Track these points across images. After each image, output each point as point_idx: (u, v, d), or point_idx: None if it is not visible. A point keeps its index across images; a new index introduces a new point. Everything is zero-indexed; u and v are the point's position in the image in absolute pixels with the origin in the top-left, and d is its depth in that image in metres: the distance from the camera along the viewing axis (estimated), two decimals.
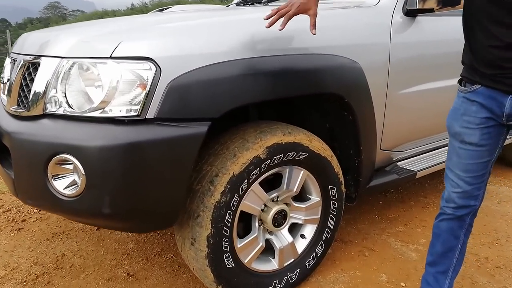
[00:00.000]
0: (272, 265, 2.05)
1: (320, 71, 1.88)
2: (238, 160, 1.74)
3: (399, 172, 2.56)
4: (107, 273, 2.28)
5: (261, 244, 1.96)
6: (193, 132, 1.55)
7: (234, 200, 1.76)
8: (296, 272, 2.10)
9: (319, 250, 2.16)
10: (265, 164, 1.81)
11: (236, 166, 1.73)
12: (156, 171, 1.51)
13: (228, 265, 1.82)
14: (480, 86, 1.50)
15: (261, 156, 1.78)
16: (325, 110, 2.22)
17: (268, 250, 2.07)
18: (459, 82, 1.64)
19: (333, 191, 2.13)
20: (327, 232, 2.18)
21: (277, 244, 2.03)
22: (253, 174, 1.78)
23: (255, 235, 1.93)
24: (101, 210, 1.52)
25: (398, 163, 2.68)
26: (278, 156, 1.84)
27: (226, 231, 1.77)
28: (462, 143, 1.57)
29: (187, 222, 1.77)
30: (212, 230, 1.72)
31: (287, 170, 1.94)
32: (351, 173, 2.28)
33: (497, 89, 1.46)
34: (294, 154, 1.89)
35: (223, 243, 1.77)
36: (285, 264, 2.08)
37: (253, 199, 1.85)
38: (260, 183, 1.86)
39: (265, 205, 1.97)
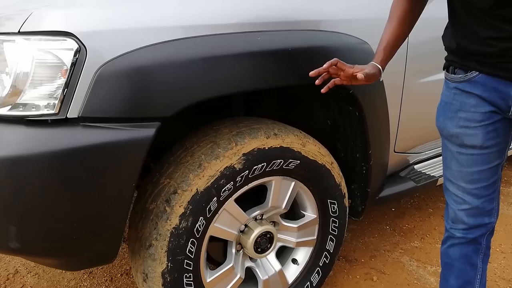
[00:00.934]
0: None
1: (317, 53, 1.42)
2: (204, 172, 1.30)
3: (417, 178, 2.09)
4: None
5: (239, 275, 1.53)
6: (134, 137, 1.11)
7: (199, 225, 1.32)
8: None
9: (315, 278, 1.73)
10: (241, 177, 1.36)
11: (200, 180, 1.29)
12: (79, 192, 1.09)
13: None
14: (477, 73, 1.15)
15: (235, 166, 1.34)
16: (326, 103, 1.75)
17: (250, 278, 1.65)
18: (446, 68, 1.26)
19: (333, 206, 1.68)
20: (326, 257, 1.74)
21: (261, 275, 1.60)
22: (224, 190, 1.34)
23: (230, 265, 1.50)
24: (7, 243, 1.10)
25: (415, 167, 2.21)
26: (260, 165, 1.39)
27: (188, 264, 1.34)
28: (462, 146, 1.22)
29: (138, 252, 1.35)
30: (169, 264, 1.30)
31: (273, 182, 1.49)
32: (357, 182, 1.82)
33: (499, 76, 1.11)
34: (281, 162, 1.44)
35: (184, 280, 1.34)
36: None
37: (227, 221, 1.42)
38: (237, 199, 1.43)
39: (246, 225, 1.53)
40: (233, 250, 1.52)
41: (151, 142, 1.12)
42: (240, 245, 1.55)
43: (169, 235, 1.28)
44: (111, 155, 1.09)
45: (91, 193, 1.10)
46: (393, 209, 2.71)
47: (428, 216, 2.63)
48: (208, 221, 1.35)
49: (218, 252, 1.57)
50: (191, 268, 1.35)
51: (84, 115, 1.08)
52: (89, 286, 1.97)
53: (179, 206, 1.28)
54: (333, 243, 1.73)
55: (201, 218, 1.32)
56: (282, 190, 1.52)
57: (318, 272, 1.73)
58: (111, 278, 2.02)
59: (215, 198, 1.33)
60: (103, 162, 1.09)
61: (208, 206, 1.32)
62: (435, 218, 2.60)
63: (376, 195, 1.90)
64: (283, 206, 1.55)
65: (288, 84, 1.36)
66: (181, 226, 1.28)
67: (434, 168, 2.22)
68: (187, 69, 1.16)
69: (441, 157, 2.31)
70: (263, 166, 1.40)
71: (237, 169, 1.34)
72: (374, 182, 1.80)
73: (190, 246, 1.32)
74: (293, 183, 1.54)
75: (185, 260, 1.32)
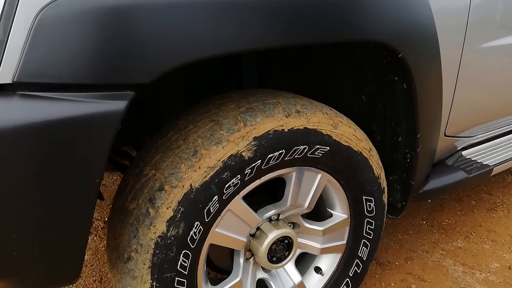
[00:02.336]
0: None
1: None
2: (200, 161, 0.95)
3: (467, 168, 1.70)
4: None
5: None
6: (96, 114, 0.76)
7: (195, 232, 0.98)
8: None
9: None
10: (252, 168, 1.01)
11: (196, 173, 0.94)
12: (15, 190, 0.75)
13: None
14: None
15: (244, 154, 0.98)
16: (360, 73, 1.37)
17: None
18: None
19: (369, 204, 1.31)
20: (357, 265, 1.39)
21: None
22: (229, 186, 0.99)
23: (237, 279, 1.16)
24: None
25: (463, 154, 1.81)
26: (277, 153, 1.03)
27: (180, 283, 1.00)
28: None
29: (116, 265, 1.02)
30: (154, 284, 0.97)
31: (293, 174, 1.14)
32: (397, 173, 1.45)
33: None
34: (305, 149, 1.08)
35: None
36: None
37: (233, 226, 1.07)
38: (246, 196, 1.08)
39: (258, 228, 1.19)
40: (241, 260, 1.19)
41: (119, 122, 0.77)
42: (251, 252, 1.21)
43: (153, 246, 0.94)
44: (60, 138, 0.74)
45: (35, 189, 0.76)
46: (429, 201, 2.33)
47: (471, 210, 2.24)
48: (207, 227, 1.01)
49: (222, 256, 1.24)
50: (185, 287, 1.02)
51: (20, 80, 0.73)
52: (76, 287, 1.68)
53: (167, 208, 0.94)
54: (367, 248, 1.38)
55: (196, 223, 0.97)
56: (305, 185, 1.17)
57: (347, 284, 1.38)
58: (100, 279, 1.72)
59: (216, 197, 0.98)
60: (49, 149, 0.74)
61: (207, 208, 0.98)
62: (479, 212, 2.21)
63: (419, 188, 1.52)
64: (306, 204, 1.20)
65: (312, 42, 0.98)
66: (169, 234, 0.94)
67: (487, 155, 1.82)
68: (173, 15, 0.79)
69: (495, 141, 1.93)
70: (281, 154, 1.04)
71: (246, 158, 0.99)
72: (419, 173, 1.42)
73: (183, 260, 0.98)
74: (319, 176, 1.18)
75: (176, 278, 0.99)
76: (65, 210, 0.77)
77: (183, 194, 0.94)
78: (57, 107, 0.74)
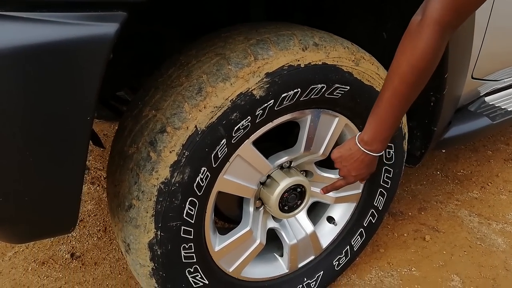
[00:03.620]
0: (278, 267, 1.24)
1: None
2: (206, 100, 0.84)
3: (491, 114, 1.58)
4: (43, 253, 1.56)
5: (259, 241, 1.13)
6: (84, 37, 0.64)
7: (201, 178, 0.89)
8: (318, 276, 1.29)
9: (356, 242, 1.32)
10: (263, 109, 0.90)
11: (201, 113, 0.84)
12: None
13: (197, 283, 1.02)
14: None
15: (254, 92, 0.87)
16: (380, 8, 1.22)
17: (272, 240, 1.26)
18: None
19: (389, 151, 1.21)
20: (372, 215, 1.31)
21: (288, 238, 1.20)
22: (238, 129, 0.89)
23: (247, 228, 1.09)
24: None
25: (486, 99, 1.68)
26: (291, 92, 0.92)
27: (187, 232, 0.93)
28: None
29: (117, 213, 0.94)
30: (158, 233, 0.89)
31: (309, 117, 1.03)
32: (418, 118, 1.33)
33: None
34: (323, 88, 0.96)
35: (182, 252, 0.95)
36: (300, 265, 1.26)
37: (242, 172, 0.98)
38: (256, 141, 0.98)
39: (268, 176, 1.10)
40: (251, 209, 1.11)
41: (110, 49, 0.65)
42: (261, 201, 1.13)
43: (156, 193, 0.86)
44: (41, 67, 0.63)
45: (15, 132, 0.66)
46: (443, 151, 2.23)
47: (487, 160, 2.14)
48: (215, 173, 0.91)
49: (231, 205, 1.17)
50: (192, 237, 0.94)
51: None
52: (80, 237, 1.64)
53: (169, 152, 0.84)
54: (383, 198, 1.29)
55: (203, 169, 0.88)
56: (320, 130, 1.06)
57: (361, 234, 1.32)
58: (104, 228, 1.68)
59: (224, 140, 0.88)
60: (31, 80, 0.63)
61: (214, 152, 0.88)
62: (496, 163, 2.12)
63: (441, 135, 1.41)
64: (321, 151, 1.10)
65: None
66: (173, 180, 0.85)
67: (509, 102, 1.70)
68: None
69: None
70: (296, 93, 0.93)
71: (258, 97, 0.87)
72: (442, 119, 1.31)
73: (189, 208, 0.90)
74: (336, 120, 1.07)
75: (182, 227, 0.91)
76: (52, 151, 0.68)
77: (187, 136, 0.84)
78: (36, 30, 0.62)
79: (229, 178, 0.96)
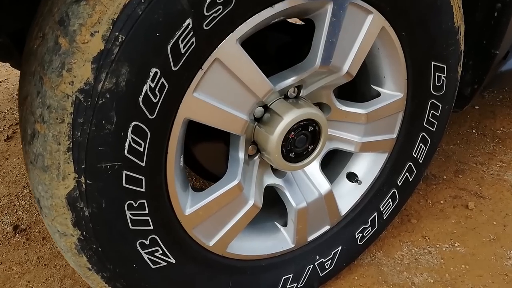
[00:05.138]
0: (280, 240, 0.89)
1: None
2: None
3: None
4: None
5: (252, 202, 0.78)
6: None
7: (151, 88, 0.53)
8: (335, 254, 0.94)
9: (387, 207, 0.97)
10: None
11: None
12: None
13: (156, 262, 0.67)
14: None
15: None
16: None
17: (273, 204, 0.91)
18: None
19: (439, 76, 0.85)
20: (410, 170, 0.95)
21: (294, 200, 0.84)
22: (215, 2, 0.52)
23: (234, 182, 0.73)
24: None
25: None
26: None
27: (134, 181, 0.57)
28: None
29: (24, 152, 0.59)
30: (83, 181, 0.54)
31: (329, 8, 0.65)
32: (473, 38, 0.96)
33: None
34: None
35: (127, 214, 0.59)
36: (311, 239, 0.91)
37: (224, 89, 0.62)
38: (249, 45, 0.62)
39: (266, 107, 0.74)
40: (241, 154, 0.75)
41: None
42: (256, 147, 0.78)
43: (70, 110, 0.49)
44: None
45: None
46: (477, 107, 1.87)
47: None
48: (177, 85, 0.55)
49: (213, 151, 0.82)
50: (143, 189, 0.59)
51: None
52: (29, 206, 1.29)
53: (91, 34, 0.47)
54: (425, 146, 0.93)
55: (154, 71, 0.52)
56: (346, 31, 0.69)
57: (393, 196, 0.96)
58: None
59: (190, 22, 0.51)
60: None
61: (173, 42, 0.51)
62: None
63: (498, 66, 1.04)
64: (346, 67, 0.73)
65: None
66: (100, 87, 0.49)
67: None
68: None
69: None
70: None
71: None
72: (507, 37, 0.94)
73: (134, 141, 0.54)
74: (369, 18, 0.70)
75: (124, 172, 0.56)
76: None
77: (121, 8, 0.47)
78: None
79: (203, 98, 0.60)
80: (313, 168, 0.87)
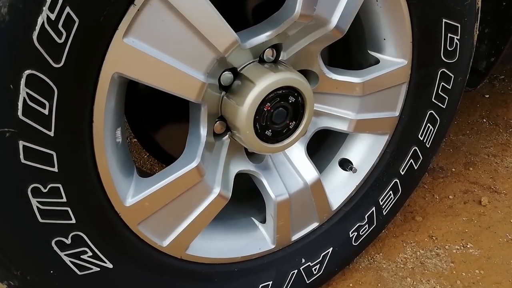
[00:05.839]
0: (257, 239, 0.73)
1: None
2: None
3: None
4: None
5: (217, 191, 0.62)
6: None
7: (50, 20, 0.38)
8: (324, 256, 0.78)
9: (387, 200, 0.81)
10: None
11: None
12: None
13: (85, 268, 0.51)
14: None
15: None
16: None
17: (250, 196, 0.75)
18: None
19: (452, 38, 0.69)
20: (415, 156, 0.79)
21: (273, 191, 0.69)
22: None
23: (192, 165, 0.58)
24: None
25: None
26: None
27: (37, 156, 0.42)
28: None
29: None
30: None
31: None
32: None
33: None
34: None
35: (33, 201, 0.44)
36: (296, 238, 0.75)
37: (167, 34, 0.46)
38: None
39: (236, 72, 0.59)
40: (202, 131, 0.59)
41: None
42: (225, 123, 0.62)
43: None
44: None
45: None
46: (487, 96, 1.71)
47: None
48: (96, 24, 0.40)
49: (174, 133, 0.66)
50: (55, 169, 0.43)
51: None
52: None
53: None
54: (434, 127, 0.77)
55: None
56: None
57: (395, 188, 0.80)
58: None
59: None
60: None
61: None
62: None
63: None
64: (335, 19, 0.57)
65: None
66: None
67: None
68: None
69: None
70: None
71: None
72: None
73: (30, 96, 0.39)
74: None
75: (20, 142, 0.40)
76: None
77: None
78: None
79: (138, 47, 0.44)
80: (297, 152, 0.71)
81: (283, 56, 0.63)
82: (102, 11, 0.40)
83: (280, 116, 0.61)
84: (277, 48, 0.61)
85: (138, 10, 0.43)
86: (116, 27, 0.42)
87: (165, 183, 0.55)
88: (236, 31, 0.53)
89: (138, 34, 0.44)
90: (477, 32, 0.72)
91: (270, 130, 0.61)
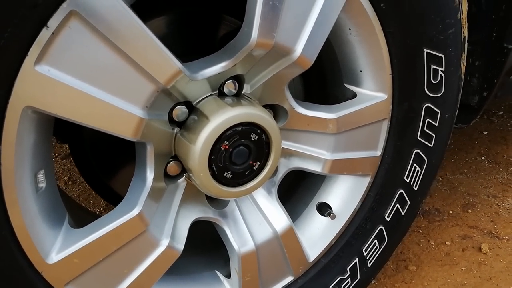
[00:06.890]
0: None
1: None
2: None
3: None
4: None
5: (166, 244, 0.53)
6: None
7: None
8: None
9: (372, 250, 0.72)
10: None
11: None
12: None
13: None
14: None
15: None
16: None
17: (215, 246, 0.66)
18: None
19: (436, 70, 0.62)
20: (401, 200, 0.71)
21: (237, 242, 0.60)
22: None
23: (133, 213, 0.49)
24: None
25: None
26: None
27: None
28: None
29: None
30: None
31: None
32: (480, 30, 0.75)
33: None
34: None
35: None
36: None
37: (88, 65, 0.40)
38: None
39: (190, 105, 0.52)
40: (149, 173, 0.51)
41: None
42: (180, 163, 0.54)
43: None
44: None
45: None
46: (486, 133, 1.63)
47: None
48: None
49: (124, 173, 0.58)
50: None
51: None
52: None
53: None
54: (421, 168, 0.69)
55: None
56: None
57: (380, 236, 0.71)
58: None
59: None
60: None
61: None
62: None
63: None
64: (299, 46, 0.51)
65: None
66: None
67: None
68: None
69: None
70: None
71: None
72: None
73: None
74: None
75: None
76: None
77: None
78: None
79: (55, 76, 0.37)
80: (265, 196, 0.63)
81: (246, 89, 0.56)
82: (2, 33, 0.33)
83: (240, 156, 0.53)
84: (238, 80, 0.55)
85: (52, 33, 0.36)
86: (25, 53, 0.35)
87: (99, 235, 0.47)
88: (190, 60, 0.47)
89: (54, 62, 0.37)
90: (465, 64, 0.66)
91: (229, 172, 0.54)
